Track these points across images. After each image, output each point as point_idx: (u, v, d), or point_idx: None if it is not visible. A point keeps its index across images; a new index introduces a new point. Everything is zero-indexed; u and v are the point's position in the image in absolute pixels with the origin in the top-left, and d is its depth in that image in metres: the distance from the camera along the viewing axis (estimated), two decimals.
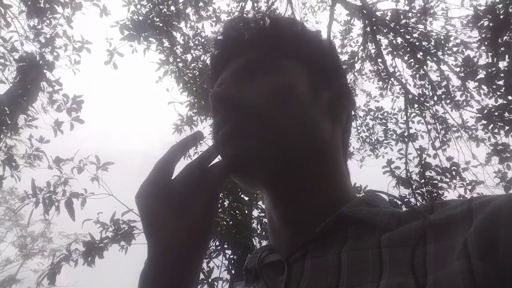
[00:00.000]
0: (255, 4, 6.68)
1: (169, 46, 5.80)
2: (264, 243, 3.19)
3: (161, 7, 5.80)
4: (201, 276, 3.06)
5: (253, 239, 3.07)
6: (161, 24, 5.64)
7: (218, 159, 0.57)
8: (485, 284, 0.34)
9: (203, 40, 5.96)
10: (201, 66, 5.89)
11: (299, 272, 0.49)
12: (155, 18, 5.67)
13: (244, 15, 0.64)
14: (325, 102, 0.59)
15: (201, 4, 5.94)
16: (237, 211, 3.12)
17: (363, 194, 0.57)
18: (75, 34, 5.26)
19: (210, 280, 2.99)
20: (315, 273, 0.48)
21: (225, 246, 3.06)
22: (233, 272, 2.94)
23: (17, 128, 4.92)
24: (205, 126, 6.09)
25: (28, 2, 4.76)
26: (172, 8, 5.86)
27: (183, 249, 0.48)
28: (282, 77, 0.57)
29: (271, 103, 0.54)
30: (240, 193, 3.19)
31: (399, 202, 0.61)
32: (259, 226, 3.21)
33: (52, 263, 3.53)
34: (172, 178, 0.53)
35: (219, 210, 3.14)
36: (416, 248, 0.41)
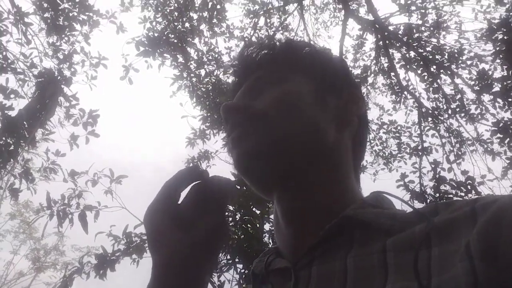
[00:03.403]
0: (268, 20, 6.77)
1: (183, 61, 5.90)
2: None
3: (176, 23, 5.94)
4: None
5: None
6: (175, 40, 5.76)
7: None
8: (487, 286, 0.34)
9: (216, 55, 6.05)
10: (214, 81, 5.97)
11: (306, 279, 0.50)
12: (170, 35, 5.79)
13: (256, 37, 0.70)
14: (332, 108, 0.61)
15: (215, 20, 6.05)
16: (248, 225, 3.11)
17: (369, 194, 0.57)
18: (92, 51, 5.39)
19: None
20: (322, 279, 0.48)
21: (236, 260, 3.04)
22: (244, 286, 2.91)
23: (35, 142, 5.03)
24: (217, 140, 6.13)
25: (48, 20, 4.92)
26: (187, 24, 5.99)
27: (186, 262, 0.48)
28: (287, 86, 0.61)
29: (276, 108, 0.58)
30: (252, 206, 3.18)
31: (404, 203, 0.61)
32: (270, 240, 3.19)
33: (64, 275, 3.56)
34: (179, 202, 0.54)
35: (230, 224, 3.13)
36: (420, 251, 0.41)
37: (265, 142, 0.56)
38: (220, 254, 3.16)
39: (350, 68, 0.75)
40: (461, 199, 0.45)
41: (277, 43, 0.67)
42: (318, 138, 0.57)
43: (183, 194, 0.55)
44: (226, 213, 0.58)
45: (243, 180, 0.61)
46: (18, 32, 4.72)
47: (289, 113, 0.57)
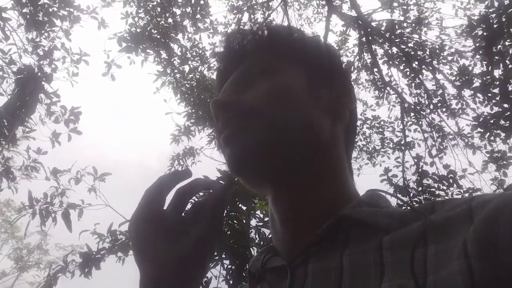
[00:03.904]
0: (252, 16, 6.75)
1: (166, 57, 5.85)
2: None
3: (158, 19, 5.87)
4: (199, 287, 3.03)
5: (251, 248, 3.05)
6: (158, 36, 5.69)
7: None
8: (484, 284, 0.34)
9: (200, 51, 6.01)
10: (198, 77, 5.93)
11: (302, 277, 0.49)
12: (152, 30, 5.72)
13: (242, 27, 0.66)
14: (325, 101, 0.59)
15: (198, 16, 6.00)
16: (235, 221, 3.11)
17: (364, 193, 0.56)
18: (73, 47, 5.29)
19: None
20: (318, 277, 0.48)
21: (223, 256, 3.04)
22: (231, 282, 2.92)
23: (15, 139, 4.92)
24: (203, 137, 6.10)
25: (27, 16, 4.80)
26: (170, 20, 5.92)
27: (174, 274, 0.47)
28: (279, 79, 0.58)
29: (270, 103, 0.55)
30: (238, 202, 3.18)
31: (401, 202, 0.61)
32: (257, 236, 3.20)
33: (48, 274, 3.50)
34: (165, 207, 0.53)
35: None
36: (416, 249, 0.41)
37: (259, 140, 0.53)
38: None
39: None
40: (458, 198, 0.46)
41: (266, 29, 0.64)
42: (313, 134, 0.56)
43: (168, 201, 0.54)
44: (222, 217, 0.56)
45: (229, 176, 0.60)
46: None
47: (282, 108, 0.55)
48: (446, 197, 4.72)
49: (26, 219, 3.93)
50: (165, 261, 0.48)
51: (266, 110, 0.55)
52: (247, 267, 0.63)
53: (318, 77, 0.61)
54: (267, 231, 3.12)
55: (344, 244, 0.48)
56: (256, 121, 0.54)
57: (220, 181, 0.57)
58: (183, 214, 0.54)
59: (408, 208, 0.48)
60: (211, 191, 0.55)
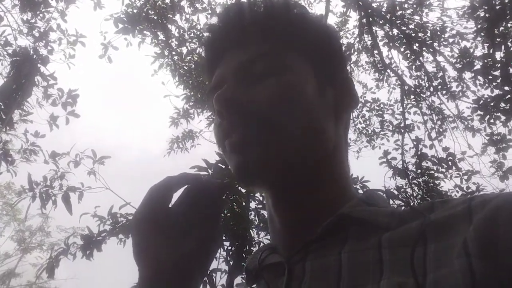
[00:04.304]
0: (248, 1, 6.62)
1: (164, 39, 5.77)
2: (262, 234, 3.21)
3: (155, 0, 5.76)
4: None
5: (250, 230, 3.08)
6: (155, 17, 5.60)
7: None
8: (484, 283, 0.34)
9: (198, 32, 5.93)
10: (196, 59, 5.86)
11: (300, 274, 0.49)
12: (149, 11, 5.62)
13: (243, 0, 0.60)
14: (331, 101, 0.57)
15: None
16: (234, 203, 3.12)
17: (363, 192, 0.57)
18: (69, 28, 5.23)
19: (208, 271, 3.01)
20: (316, 274, 0.47)
21: (223, 237, 3.07)
22: (231, 263, 2.96)
23: (12, 123, 4.90)
24: (202, 119, 6.08)
25: None
26: (167, 0, 5.82)
27: (174, 276, 0.47)
28: (290, 79, 0.54)
29: (280, 110, 0.52)
30: (237, 185, 3.20)
31: (400, 202, 0.61)
32: (256, 218, 3.22)
33: (50, 256, 3.54)
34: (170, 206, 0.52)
35: None
36: (416, 247, 0.41)
37: (270, 152, 0.50)
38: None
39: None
40: (457, 197, 0.46)
41: (268, 6, 0.58)
42: (323, 139, 0.54)
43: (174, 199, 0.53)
44: (220, 219, 0.55)
45: (224, 174, 0.58)
46: None
47: (294, 114, 0.52)
48: (445, 180, 4.76)
49: (27, 202, 3.96)
50: (163, 260, 0.47)
51: (277, 117, 0.51)
52: (246, 264, 0.62)
53: (324, 72, 0.58)
54: (266, 213, 3.14)
55: (343, 242, 0.48)
56: (266, 130, 0.51)
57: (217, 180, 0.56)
58: (185, 214, 0.53)
59: (408, 207, 0.48)
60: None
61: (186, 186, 0.53)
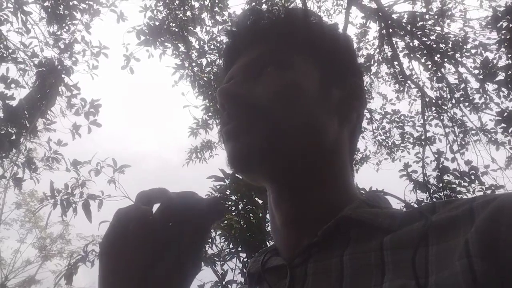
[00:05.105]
0: (261, 8, 6.68)
1: (184, 50, 5.86)
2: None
3: (177, 12, 5.88)
4: (216, 278, 3.07)
5: (267, 242, 3.06)
6: (177, 29, 5.71)
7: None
8: (486, 284, 0.34)
9: (218, 44, 6.01)
10: (216, 70, 5.93)
11: (302, 276, 0.49)
12: (171, 24, 5.74)
13: (258, 7, 0.62)
14: (335, 101, 0.58)
15: (216, 9, 5.99)
16: (250, 214, 3.11)
17: (365, 194, 0.56)
18: (93, 40, 5.36)
19: (224, 283, 2.99)
20: (318, 277, 0.47)
21: (239, 249, 3.06)
22: (247, 275, 2.94)
23: (36, 131, 5.04)
24: None
25: (48, 9, 4.88)
26: (188, 13, 5.93)
27: None
28: (291, 75, 0.56)
29: (278, 103, 0.54)
30: (254, 196, 3.19)
31: (401, 203, 0.60)
32: None
33: (69, 263, 3.59)
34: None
35: (234, 214, 3.14)
36: (418, 249, 0.41)
37: (263, 140, 0.52)
38: (223, 243, 3.18)
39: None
40: (459, 198, 0.45)
41: (283, 12, 0.61)
42: (319, 136, 0.55)
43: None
44: (207, 235, 0.47)
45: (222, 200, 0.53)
46: (17, 21, 4.68)
47: (291, 109, 0.54)
48: (468, 194, 4.63)
49: (48, 209, 4.04)
50: (135, 284, 0.42)
51: (274, 109, 0.53)
52: (248, 267, 0.62)
53: (332, 74, 0.59)
54: None
55: (345, 245, 0.48)
56: (262, 120, 0.53)
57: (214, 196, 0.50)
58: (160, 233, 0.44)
59: (409, 209, 0.48)
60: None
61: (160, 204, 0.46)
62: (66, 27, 5.10)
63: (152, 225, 0.44)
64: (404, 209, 0.50)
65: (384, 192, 0.57)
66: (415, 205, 0.55)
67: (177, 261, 0.43)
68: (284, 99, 0.54)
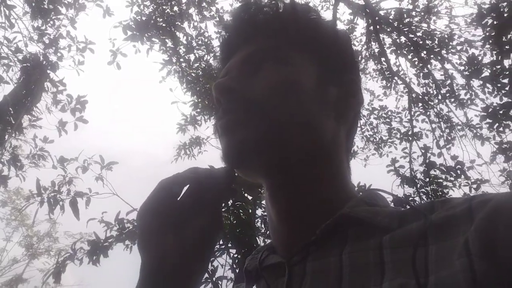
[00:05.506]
0: (259, 1, 6.65)
1: (172, 46, 5.81)
2: (268, 241, 3.19)
3: (164, 7, 5.82)
4: (206, 275, 3.07)
5: (257, 238, 3.06)
6: (164, 25, 5.65)
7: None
8: (485, 283, 0.34)
9: (206, 40, 5.97)
10: (204, 66, 5.90)
11: (300, 275, 0.49)
12: (158, 19, 5.68)
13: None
14: (332, 98, 0.58)
15: (204, 4, 5.95)
16: (240, 210, 3.11)
17: (363, 192, 0.56)
18: (78, 35, 5.28)
19: (214, 279, 2.99)
20: (316, 275, 0.47)
21: (229, 245, 3.05)
22: (237, 271, 2.94)
23: (22, 128, 4.95)
24: (209, 126, 6.09)
25: (32, 3, 4.78)
26: (175, 8, 5.87)
27: (176, 266, 0.47)
28: (288, 71, 0.56)
29: (274, 98, 0.53)
30: (244, 192, 3.19)
31: (401, 201, 0.61)
32: (263, 225, 3.21)
33: (57, 262, 3.55)
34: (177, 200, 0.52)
35: (223, 210, 3.14)
36: (417, 248, 0.41)
37: (258, 135, 0.52)
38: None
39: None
40: (457, 197, 0.46)
41: (281, 7, 0.60)
42: (315, 133, 0.54)
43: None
44: (222, 206, 0.55)
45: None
46: (0, 16, 4.58)
47: (287, 104, 0.53)
48: (454, 188, 4.71)
49: (35, 207, 3.98)
50: (166, 253, 0.48)
51: (270, 104, 0.53)
52: (245, 264, 0.62)
53: (330, 71, 0.59)
54: None
55: (343, 243, 0.48)
56: (257, 115, 0.52)
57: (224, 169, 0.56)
58: (189, 205, 0.52)
59: (408, 207, 0.48)
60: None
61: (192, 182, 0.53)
62: (51, 22, 5.01)
63: (181, 196, 0.52)
64: (392, 204, 0.51)
65: (382, 190, 0.57)
66: (404, 199, 0.55)
67: (201, 225, 0.50)
68: (281, 95, 0.54)
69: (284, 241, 0.55)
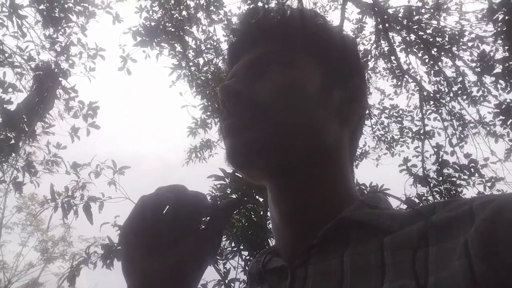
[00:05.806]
0: (266, 6, 6.67)
1: (181, 50, 5.85)
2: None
3: (172, 12, 5.87)
4: (219, 277, 3.07)
5: (268, 240, 3.06)
6: (173, 29, 5.70)
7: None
8: (485, 284, 0.34)
9: (214, 43, 6.00)
10: (213, 69, 5.93)
11: (302, 277, 0.49)
12: (167, 24, 5.73)
13: (265, 5, 0.63)
14: (336, 102, 0.58)
15: (212, 8, 5.98)
16: (252, 213, 3.12)
17: (365, 195, 0.56)
18: (89, 42, 5.36)
19: (227, 281, 3.00)
20: (318, 278, 0.47)
21: (241, 247, 3.06)
22: (247, 275, 2.94)
23: (35, 135, 5.03)
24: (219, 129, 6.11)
25: (44, 13, 4.87)
26: (184, 13, 5.92)
27: (166, 286, 0.46)
28: (294, 74, 0.57)
29: (279, 101, 0.54)
30: (255, 194, 3.19)
31: (401, 202, 0.60)
32: None
33: (71, 266, 3.59)
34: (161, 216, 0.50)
35: (235, 212, 3.14)
36: (418, 250, 0.41)
37: (262, 138, 0.52)
38: (225, 241, 3.18)
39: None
40: (459, 198, 0.45)
41: (288, 12, 0.61)
42: (319, 137, 0.55)
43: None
44: (216, 232, 0.52)
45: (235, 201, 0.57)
46: (13, 25, 4.67)
47: (292, 107, 0.54)
48: (468, 187, 4.64)
49: (49, 212, 4.03)
50: (151, 277, 0.46)
51: (275, 107, 0.54)
52: (248, 268, 0.62)
53: (335, 75, 0.59)
54: None
55: (345, 245, 0.48)
56: (262, 118, 0.53)
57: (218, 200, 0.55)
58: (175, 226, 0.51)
59: (409, 209, 0.48)
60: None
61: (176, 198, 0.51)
62: (62, 30, 5.09)
63: (165, 215, 0.50)
64: (402, 207, 0.51)
65: (383, 192, 0.57)
66: (416, 200, 0.55)
67: (191, 248, 0.48)
68: (286, 98, 0.54)
69: (287, 243, 0.56)
